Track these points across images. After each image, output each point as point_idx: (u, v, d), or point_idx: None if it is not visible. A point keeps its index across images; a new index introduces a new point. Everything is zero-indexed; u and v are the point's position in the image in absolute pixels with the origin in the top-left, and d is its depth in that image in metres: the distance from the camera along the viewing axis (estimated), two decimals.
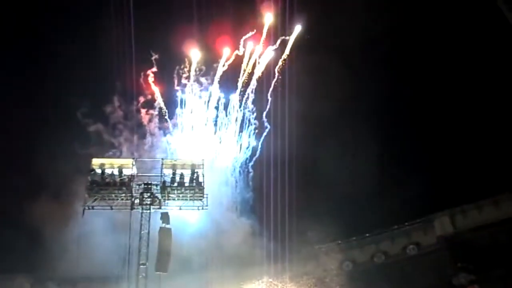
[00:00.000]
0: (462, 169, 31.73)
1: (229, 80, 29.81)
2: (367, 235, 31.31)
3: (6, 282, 28.69)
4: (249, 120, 29.97)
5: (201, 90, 29.72)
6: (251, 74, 29.56)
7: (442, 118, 31.89)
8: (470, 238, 31.87)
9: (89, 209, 23.82)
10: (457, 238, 32.58)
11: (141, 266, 24.04)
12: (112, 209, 23.94)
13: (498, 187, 30.90)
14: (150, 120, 30.04)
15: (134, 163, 24.23)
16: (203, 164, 24.22)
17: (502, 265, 30.09)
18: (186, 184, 23.97)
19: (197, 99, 29.73)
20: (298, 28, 29.34)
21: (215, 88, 29.65)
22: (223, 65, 29.22)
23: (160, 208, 23.83)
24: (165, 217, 23.91)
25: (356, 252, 31.31)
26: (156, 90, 29.52)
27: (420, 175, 31.51)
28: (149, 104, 30.15)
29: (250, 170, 29.57)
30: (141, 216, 23.80)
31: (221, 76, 29.54)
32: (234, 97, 29.71)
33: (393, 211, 30.65)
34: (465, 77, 31.68)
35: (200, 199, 23.93)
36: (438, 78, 32.62)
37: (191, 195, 23.98)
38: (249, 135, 29.98)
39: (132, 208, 23.71)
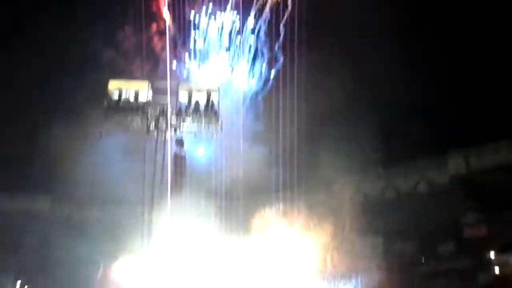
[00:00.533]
0: (481, 108, 31.09)
1: (244, 7, 28.89)
2: (380, 169, 31.45)
3: (27, 202, 29.98)
4: (262, 51, 29.33)
5: (215, 17, 28.93)
6: (265, 3, 28.62)
7: (461, 52, 30.88)
8: (483, 179, 31.80)
9: (105, 133, 24.03)
10: (470, 178, 32.54)
11: (156, 191, 24.56)
12: (128, 133, 24.10)
13: None
14: (163, 48, 29.53)
15: (150, 85, 24.06)
16: (218, 90, 24.04)
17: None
18: (201, 110, 23.91)
19: (211, 26, 29.03)
20: None
21: (229, 15, 28.86)
22: None
23: (175, 133, 23.87)
24: (179, 142, 24.04)
25: (368, 185, 31.59)
26: (168, 16, 28.80)
27: (438, 112, 31.00)
28: (162, 32, 29.48)
29: (262, 100, 29.21)
30: (156, 141, 23.98)
31: (236, 3, 28.64)
32: (248, 26, 28.94)
33: (407, 147, 30.40)
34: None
35: (215, 126, 23.91)
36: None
37: (206, 121, 23.96)
38: (262, 66, 29.42)
39: (147, 133, 23.83)
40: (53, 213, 31.85)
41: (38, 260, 30.23)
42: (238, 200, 26.34)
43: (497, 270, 28.01)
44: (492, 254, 29.67)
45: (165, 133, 23.75)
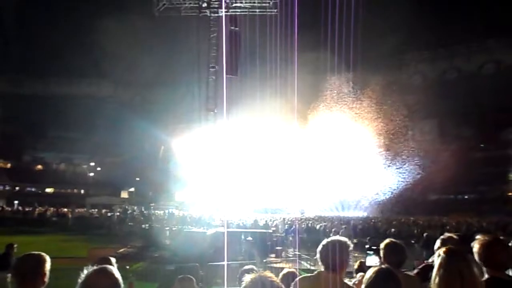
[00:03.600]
0: None
1: None
2: (442, 49, 29.68)
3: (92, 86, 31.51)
4: None
5: None
6: None
7: None
8: None
9: (158, 13, 24.00)
10: None
11: (211, 70, 24.79)
12: (181, 14, 23.91)
13: None
14: None
15: None
16: None
17: None
18: None
19: None
20: None
21: None
22: None
23: (227, 11, 23.31)
24: (233, 20, 23.57)
25: (427, 65, 30.09)
26: None
27: None
28: None
29: None
30: (210, 20, 23.71)
31: None
32: None
33: (474, 27, 28.26)
34: None
35: (269, 3, 23.06)
36: None
37: None
38: None
39: (200, 12, 23.51)
40: (117, 97, 33.45)
41: (108, 141, 32.56)
42: (293, 81, 26.02)
43: None
44: None
45: (218, 12, 23.28)
